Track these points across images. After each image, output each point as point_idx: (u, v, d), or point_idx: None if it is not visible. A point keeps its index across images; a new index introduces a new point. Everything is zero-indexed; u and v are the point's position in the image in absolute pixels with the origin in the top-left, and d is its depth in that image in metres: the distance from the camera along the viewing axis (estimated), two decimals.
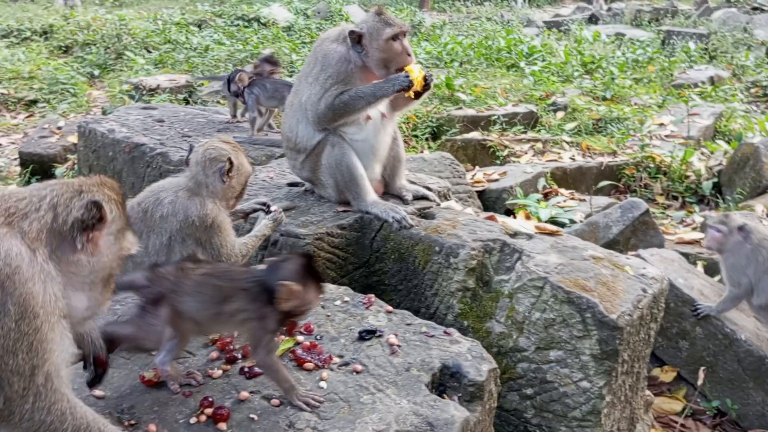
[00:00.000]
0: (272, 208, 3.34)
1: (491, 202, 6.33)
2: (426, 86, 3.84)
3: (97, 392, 2.59)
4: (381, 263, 3.87)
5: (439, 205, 4.26)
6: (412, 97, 3.88)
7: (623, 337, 3.22)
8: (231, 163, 2.98)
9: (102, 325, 2.50)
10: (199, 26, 16.34)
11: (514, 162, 7.74)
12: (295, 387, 2.54)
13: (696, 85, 11.87)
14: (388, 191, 4.29)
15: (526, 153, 8.15)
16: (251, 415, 2.48)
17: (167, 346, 2.57)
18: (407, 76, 3.79)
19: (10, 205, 1.94)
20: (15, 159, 7.96)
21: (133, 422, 2.45)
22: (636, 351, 3.46)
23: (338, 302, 3.24)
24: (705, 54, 14.96)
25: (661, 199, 7.42)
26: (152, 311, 2.49)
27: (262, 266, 2.72)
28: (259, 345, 2.49)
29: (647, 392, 3.96)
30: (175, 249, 2.96)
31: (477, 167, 7.53)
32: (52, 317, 1.90)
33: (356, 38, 3.88)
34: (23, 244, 1.87)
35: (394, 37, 3.85)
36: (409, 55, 3.92)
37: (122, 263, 2.20)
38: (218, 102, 10.01)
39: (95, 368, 2.47)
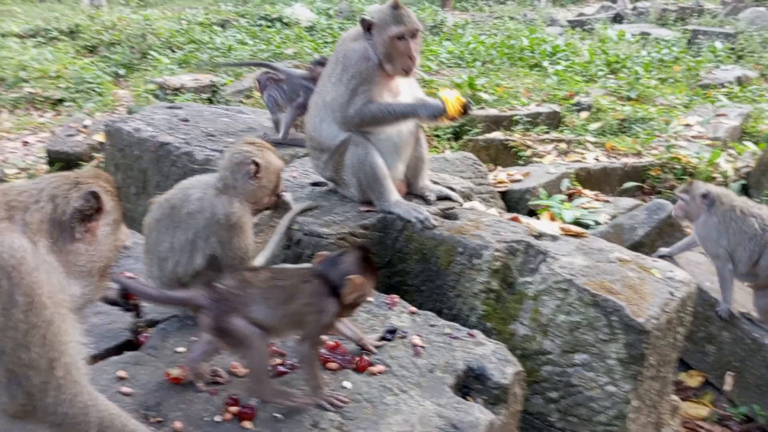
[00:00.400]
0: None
1: (514, 202, 6.27)
2: (464, 113, 3.80)
3: (124, 389, 2.62)
4: (403, 263, 3.86)
5: (462, 205, 4.23)
6: (445, 121, 3.85)
7: (650, 341, 3.18)
8: (257, 165, 2.98)
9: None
10: (223, 26, 16.46)
11: (537, 162, 7.67)
12: (322, 387, 2.55)
13: (723, 86, 11.69)
14: (411, 191, 4.27)
15: (549, 153, 8.07)
16: (276, 414, 2.49)
17: (204, 348, 2.59)
18: (443, 106, 3.73)
19: (11, 199, 1.98)
20: (42, 157, 8.08)
21: (159, 419, 2.47)
22: (663, 355, 3.42)
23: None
24: (732, 54, 14.71)
25: None
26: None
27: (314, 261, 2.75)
28: (310, 337, 2.53)
29: (673, 397, 3.90)
30: (198, 246, 2.97)
31: (499, 167, 7.47)
32: (61, 308, 1.93)
33: (367, 26, 3.84)
34: (25, 237, 1.90)
35: (400, 37, 3.77)
36: (411, 58, 3.81)
37: (117, 254, 2.26)
38: (241, 102, 10.08)
39: (128, 303, 2.68)
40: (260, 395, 2.51)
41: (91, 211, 2.06)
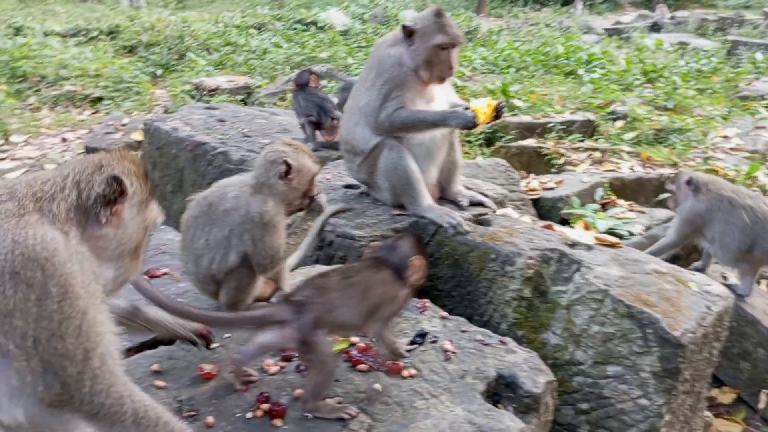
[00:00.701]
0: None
1: (546, 210, 6.21)
2: (497, 117, 3.80)
3: (158, 382, 2.67)
4: (435, 268, 3.85)
5: (495, 212, 4.21)
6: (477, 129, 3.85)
7: (686, 355, 3.12)
8: (288, 165, 2.99)
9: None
10: (259, 29, 16.66)
11: (570, 171, 7.60)
12: (404, 355, 2.70)
13: (763, 98, 11.41)
14: (444, 196, 4.27)
15: (583, 162, 7.98)
16: (306, 414, 2.50)
17: (254, 351, 2.58)
18: (474, 117, 3.72)
19: (37, 190, 1.98)
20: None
21: (192, 413, 2.51)
22: (698, 370, 3.35)
23: None
24: None
25: None
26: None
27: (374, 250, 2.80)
28: (386, 321, 2.61)
29: (706, 413, 3.83)
30: (232, 243, 3.01)
31: (532, 175, 7.42)
32: (95, 299, 1.94)
33: (407, 33, 3.85)
34: (56, 228, 1.91)
35: (444, 46, 3.78)
36: (450, 68, 3.83)
37: (148, 234, 2.25)
38: (275, 104, 10.18)
39: (201, 339, 2.68)
40: (314, 410, 2.49)
41: (114, 195, 2.04)
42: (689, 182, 4.44)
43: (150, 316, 2.59)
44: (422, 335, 2.94)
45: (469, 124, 3.73)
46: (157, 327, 2.61)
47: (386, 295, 2.57)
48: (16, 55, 11.83)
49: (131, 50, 14.48)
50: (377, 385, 2.67)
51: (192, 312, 2.58)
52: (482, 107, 3.75)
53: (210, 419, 2.47)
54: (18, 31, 14.62)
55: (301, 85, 5.62)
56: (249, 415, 2.50)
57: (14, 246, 1.80)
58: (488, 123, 3.80)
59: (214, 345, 2.89)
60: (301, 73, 5.89)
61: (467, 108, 3.82)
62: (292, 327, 2.42)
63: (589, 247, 3.59)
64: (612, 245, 3.69)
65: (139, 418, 2.01)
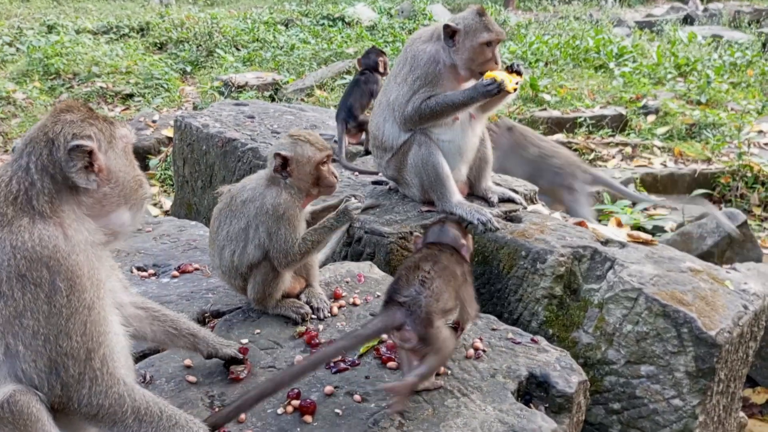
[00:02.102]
0: (347, 200, 3.11)
1: None
2: (517, 73, 3.77)
3: (190, 377, 2.69)
4: None
5: (525, 208, 4.17)
6: (507, 94, 3.81)
7: (721, 355, 3.05)
8: (283, 158, 2.93)
9: None
10: (286, 25, 16.71)
11: (600, 166, 7.50)
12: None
13: None
14: (473, 193, 4.24)
15: (614, 157, 7.88)
16: (336, 410, 2.51)
17: (411, 366, 2.54)
18: (493, 82, 3.70)
19: (8, 192, 1.92)
20: None
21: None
22: (733, 370, 3.28)
23: None
24: None
25: (758, 211, 7.00)
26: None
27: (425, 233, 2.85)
28: (470, 299, 2.68)
29: (741, 414, 3.74)
30: (250, 235, 3.00)
31: None
32: (100, 291, 1.94)
33: (450, 33, 3.85)
34: (49, 224, 1.90)
35: (489, 43, 3.80)
36: (496, 63, 3.86)
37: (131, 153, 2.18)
38: (302, 99, 10.21)
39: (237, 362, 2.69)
40: (419, 385, 2.52)
41: (87, 160, 1.97)
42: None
43: (193, 330, 2.60)
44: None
45: (494, 90, 3.69)
46: (200, 343, 2.61)
47: (464, 275, 2.66)
48: (50, 52, 12.06)
49: (161, 47, 14.66)
50: None
51: (323, 352, 2.50)
52: (498, 74, 3.73)
53: (241, 415, 2.48)
54: (51, 28, 14.90)
55: (370, 68, 5.34)
56: (279, 411, 2.51)
57: (14, 251, 1.82)
58: (515, 84, 3.74)
59: (243, 340, 2.91)
60: (368, 52, 5.55)
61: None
62: (408, 329, 2.40)
63: (622, 245, 3.53)
64: (646, 242, 3.62)
65: (141, 415, 2.01)
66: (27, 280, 1.81)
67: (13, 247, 1.82)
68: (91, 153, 1.98)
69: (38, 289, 1.82)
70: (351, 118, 5.16)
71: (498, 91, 3.69)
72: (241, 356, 2.71)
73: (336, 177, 3.07)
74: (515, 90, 3.76)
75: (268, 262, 3.02)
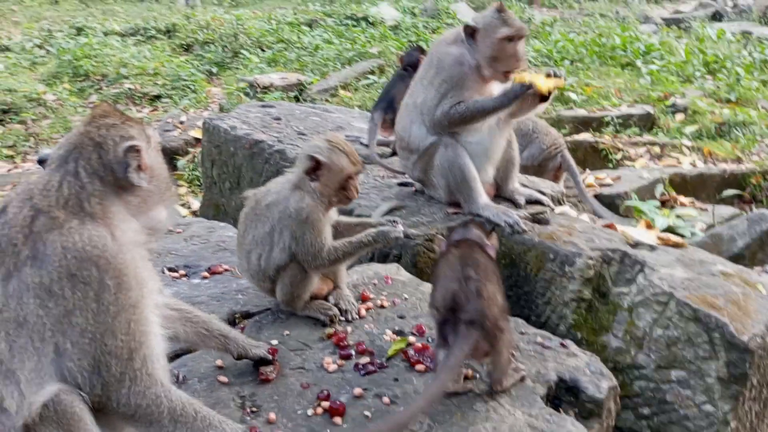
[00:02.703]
0: (389, 224, 3.12)
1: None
2: (555, 75, 3.75)
3: (222, 378, 2.73)
4: None
5: (553, 210, 4.15)
6: (538, 100, 3.79)
7: (754, 360, 3.02)
8: (317, 162, 2.96)
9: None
10: (310, 25, 16.77)
11: (628, 166, 7.41)
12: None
13: None
14: (500, 194, 4.22)
15: (642, 157, 7.78)
16: (365, 412, 2.53)
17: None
18: (523, 85, 3.68)
19: (57, 197, 2.00)
20: None
21: (254, 409, 2.56)
22: (766, 376, 3.23)
23: None
24: None
25: None
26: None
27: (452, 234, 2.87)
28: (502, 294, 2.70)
29: None
30: (275, 239, 3.02)
31: (588, 170, 7.26)
32: (144, 289, 2.00)
33: (470, 32, 3.84)
34: (98, 225, 1.97)
35: (509, 38, 3.76)
36: (518, 60, 3.80)
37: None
38: (326, 100, 10.25)
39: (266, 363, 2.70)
40: (506, 387, 2.60)
41: (137, 160, 2.08)
42: None
43: (223, 331, 2.64)
44: None
45: (524, 92, 3.67)
46: (231, 344, 2.65)
47: (496, 271, 2.67)
48: (79, 54, 12.25)
49: (187, 48, 14.81)
50: None
51: (423, 399, 2.43)
52: (528, 77, 3.70)
53: (272, 415, 2.52)
54: (80, 31, 15.15)
55: (411, 65, 5.26)
56: (309, 412, 2.54)
57: (65, 252, 1.89)
58: (550, 88, 3.71)
59: (273, 341, 2.95)
60: (411, 50, 5.60)
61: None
62: (481, 339, 2.43)
63: (652, 248, 3.50)
64: (676, 245, 3.58)
65: (177, 416, 2.05)
66: (77, 278, 1.88)
67: (64, 248, 1.89)
68: (139, 152, 2.10)
69: (88, 288, 1.89)
70: (391, 109, 5.20)
71: (529, 91, 3.67)
72: (270, 357, 2.74)
73: (357, 192, 3.09)
74: (550, 93, 3.73)
75: (295, 264, 3.04)
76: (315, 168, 2.97)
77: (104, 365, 1.92)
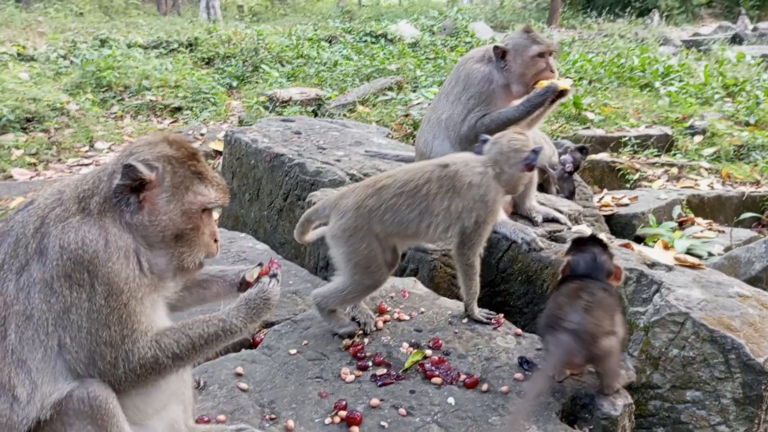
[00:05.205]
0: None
1: (620, 228, 6.07)
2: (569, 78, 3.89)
3: (241, 385, 2.78)
4: (507, 284, 3.85)
5: (569, 228, 4.17)
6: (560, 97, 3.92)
7: None
8: (535, 153, 3.12)
9: None
10: (330, 42, 16.99)
11: (645, 187, 7.41)
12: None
13: None
14: (517, 212, 4.25)
15: (659, 178, 7.77)
16: (382, 423, 2.56)
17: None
18: (546, 89, 3.84)
19: (81, 190, 2.07)
20: None
21: (273, 417, 2.61)
22: None
23: (466, 320, 3.26)
24: None
25: None
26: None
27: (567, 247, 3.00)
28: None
29: None
30: (462, 217, 3.09)
31: (605, 190, 7.28)
32: (138, 292, 2.03)
33: (500, 54, 3.97)
34: (95, 226, 2.00)
35: (541, 54, 3.93)
36: (552, 71, 3.97)
37: (203, 218, 2.16)
38: (344, 115, 10.36)
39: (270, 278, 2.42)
40: (615, 390, 2.74)
41: (134, 183, 2.03)
42: None
43: (218, 274, 2.59)
44: (527, 362, 2.92)
45: (549, 95, 3.82)
46: (228, 276, 2.60)
47: (616, 301, 2.79)
48: (102, 65, 12.49)
49: (209, 62, 15.04)
50: (451, 399, 2.70)
51: (526, 400, 2.64)
52: (545, 81, 3.88)
53: (290, 423, 2.56)
54: (103, 43, 15.44)
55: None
56: (327, 420, 2.58)
57: (62, 252, 1.96)
58: (566, 87, 3.86)
59: (292, 351, 2.99)
60: None
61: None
62: (578, 354, 2.57)
63: (669, 268, 3.51)
64: (693, 266, 3.59)
65: (178, 354, 2.07)
66: (73, 280, 1.96)
67: (61, 246, 1.96)
68: (142, 180, 2.09)
69: (81, 290, 1.96)
70: None
71: (553, 93, 3.82)
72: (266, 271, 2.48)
73: None
74: (566, 92, 3.88)
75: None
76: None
77: (99, 354, 1.99)
